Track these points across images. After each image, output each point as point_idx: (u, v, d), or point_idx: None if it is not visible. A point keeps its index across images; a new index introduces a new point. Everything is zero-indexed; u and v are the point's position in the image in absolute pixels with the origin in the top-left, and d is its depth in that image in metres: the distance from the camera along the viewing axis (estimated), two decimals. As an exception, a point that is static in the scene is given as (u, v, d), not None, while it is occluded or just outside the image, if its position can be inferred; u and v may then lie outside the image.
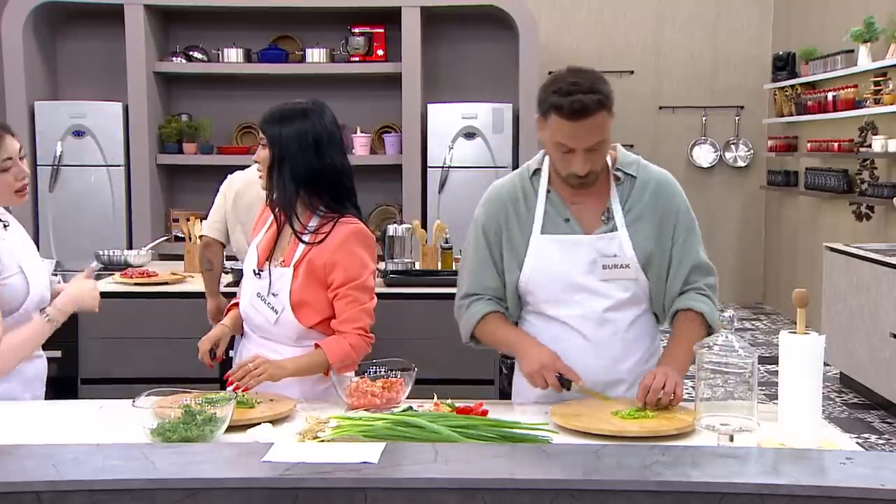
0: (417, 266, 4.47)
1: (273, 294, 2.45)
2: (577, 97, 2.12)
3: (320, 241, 2.43)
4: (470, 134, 7.14)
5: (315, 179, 2.45)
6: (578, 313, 2.30)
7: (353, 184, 2.54)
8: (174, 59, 7.27)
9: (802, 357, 1.86)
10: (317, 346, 2.41)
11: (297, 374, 2.37)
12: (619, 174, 2.32)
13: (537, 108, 2.22)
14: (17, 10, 6.87)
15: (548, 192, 2.33)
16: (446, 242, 4.49)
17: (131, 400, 2.02)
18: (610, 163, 2.32)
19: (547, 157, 2.34)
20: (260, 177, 2.55)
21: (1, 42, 6.90)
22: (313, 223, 2.47)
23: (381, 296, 4.09)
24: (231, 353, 2.68)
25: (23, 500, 1.52)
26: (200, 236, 4.00)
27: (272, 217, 2.54)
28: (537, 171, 2.36)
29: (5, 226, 2.43)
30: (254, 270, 2.52)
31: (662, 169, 2.39)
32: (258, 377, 2.27)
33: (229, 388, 2.27)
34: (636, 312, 2.33)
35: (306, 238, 2.45)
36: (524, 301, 2.39)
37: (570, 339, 2.31)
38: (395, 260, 4.42)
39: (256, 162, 2.54)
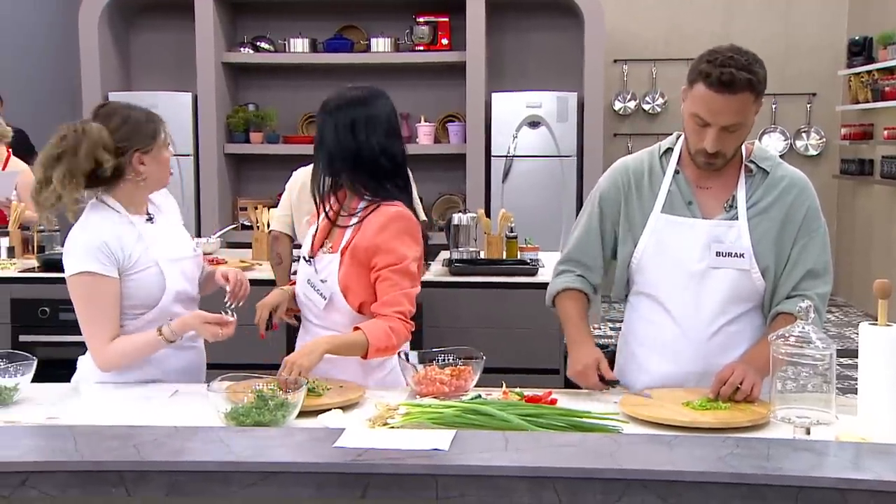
0: (482, 255, 4.47)
1: (322, 280, 2.46)
2: (730, 69, 2.09)
3: (355, 224, 2.44)
4: (534, 123, 7.10)
5: (352, 162, 2.45)
6: (684, 299, 2.28)
7: (400, 166, 2.51)
8: (242, 49, 7.39)
9: (884, 349, 1.81)
10: (356, 328, 2.40)
11: (334, 352, 2.33)
12: (752, 166, 2.27)
13: (687, 76, 2.20)
14: (93, 5, 7.06)
15: (676, 172, 2.30)
16: (511, 231, 4.48)
17: (205, 384, 2.06)
18: (745, 154, 2.28)
19: (681, 139, 2.31)
20: None
21: (78, 35, 7.10)
22: (360, 207, 2.48)
23: (445, 284, 4.11)
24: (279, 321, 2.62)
25: (106, 478, 1.57)
26: (269, 231, 4.09)
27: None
28: (668, 151, 2.34)
29: (150, 220, 2.46)
30: (304, 257, 2.54)
31: (799, 171, 2.33)
32: (300, 376, 2.20)
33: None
34: (743, 308, 2.28)
35: (350, 222, 2.46)
36: (631, 281, 2.38)
37: (667, 326, 2.30)
38: (459, 249, 4.42)
39: None
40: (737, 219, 2.24)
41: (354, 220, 2.46)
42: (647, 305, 2.35)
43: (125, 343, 2.35)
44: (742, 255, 2.23)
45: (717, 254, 2.24)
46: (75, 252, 2.34)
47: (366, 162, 2.45)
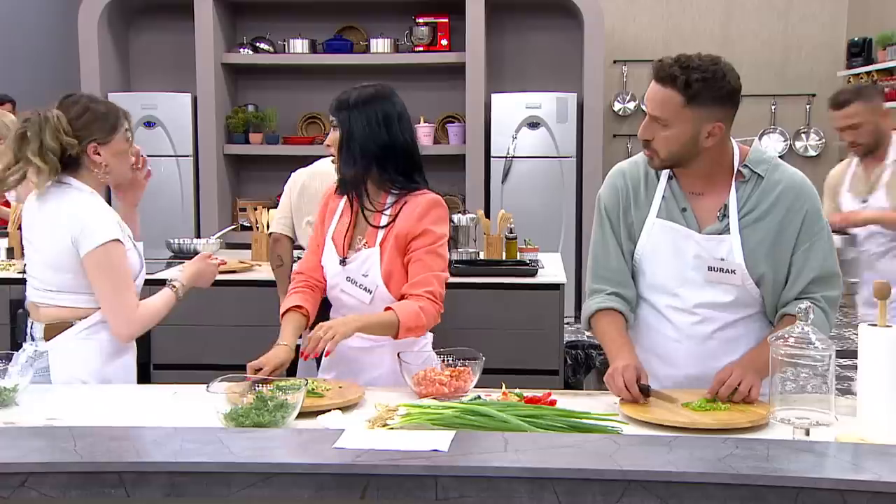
0: (482, 256, 4.47)
1: (364, 275, 2.49)
2: (666, 63, 2.12)
3: (388, 218, 2.47)
4: (534, 124, 7.10)
5: (385, 155, 2.48)
6: (678, 305, 2.28)
7: (420, 160, 2.59)
8: (241, 50, 7.39)
9: (884, 350, 1.82)
10: (388, 308, 2.43)
11: (366, 330, 2.38)
12: (745, 171, 2.24)
13: None
14: (93, 5, 7.06)
15: (669, 178, 2.30)
16: (511, 232, 4.48)
17: (205, 385, 2.06)
18: (738, 159, 2.25)
19: None
20: (333, 161, 2.60)
21: (78, 36, 7.10)
22: (389, 202, 2.50)
23: (445, 285, 4.11)
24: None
25: (106, 479, 1.56)
26: (270, 234, 4.08)
27: (341, 206, 2.57)
28: None
29: None
30: (339, 261, 2.54)
31: (798, 171, 2.29)
32: (332, 340, 2.27)
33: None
34: (740, 314, 2.26)
35: (382, 220, 2.49)
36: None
37: (664, 329, 2.30)
38: (459, 250, 4.42)
39: (329, 146, 2.58)
40: (729, 231, 2.22)
41: (385, 218, 2.49)
42: (645, 308, 2.35)
43: (148, 308, 2.50)
44: (733, 272, 2.21)
45: (710, 269, 2.23)
46: (103, 222, 2.42)
47: (399, 155, 2.50)
